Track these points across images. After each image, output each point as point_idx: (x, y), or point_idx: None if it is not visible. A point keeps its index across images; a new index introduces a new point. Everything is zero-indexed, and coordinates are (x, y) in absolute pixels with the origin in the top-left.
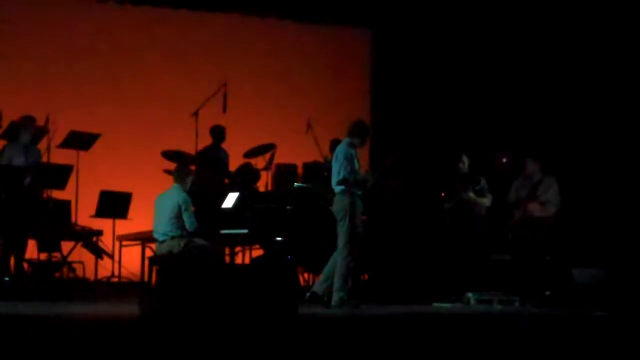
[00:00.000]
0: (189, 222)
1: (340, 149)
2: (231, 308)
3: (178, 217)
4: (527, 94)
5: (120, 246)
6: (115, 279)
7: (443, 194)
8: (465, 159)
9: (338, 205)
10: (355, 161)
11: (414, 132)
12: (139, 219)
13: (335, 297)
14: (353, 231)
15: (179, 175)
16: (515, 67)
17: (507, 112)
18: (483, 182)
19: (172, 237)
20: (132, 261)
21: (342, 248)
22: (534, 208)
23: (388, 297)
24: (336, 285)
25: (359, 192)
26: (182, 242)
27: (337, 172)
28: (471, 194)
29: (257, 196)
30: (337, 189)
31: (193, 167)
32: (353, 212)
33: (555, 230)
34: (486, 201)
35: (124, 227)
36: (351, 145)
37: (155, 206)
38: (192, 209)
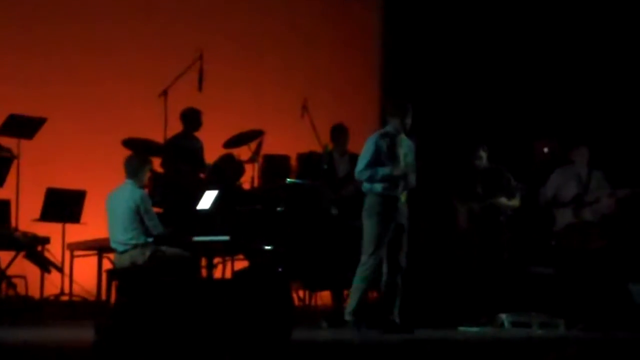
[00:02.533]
0: (152, 225)
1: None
2: (208, 333)
3: (138, 220)
4: (570, 71)
5: (72, 257)
6: (66, 297)
7: (455, 198)
8: (482, 153)
9: (364, 206)
10: (384, 152)
11: (432, 118)
12: (94, 223)
13: (345, 312)
14: (373, 237)
15: (130, 168)
16: (553, 39)
17: (546, 93)
18: (512, 179)
19: (135, 246)
20: (86, 275)
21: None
22: (609, 205)
23: (402, 319)
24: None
25: (392, 192)
26: (147, 252)
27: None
28: (503, 199)
29: (241, 195)
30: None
31: (161, 159)
32: (372, 215)
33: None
34: (516, 202)
35: (75, 233)
36: (383, 135)
37: (108, 208)
38: (157, 210)
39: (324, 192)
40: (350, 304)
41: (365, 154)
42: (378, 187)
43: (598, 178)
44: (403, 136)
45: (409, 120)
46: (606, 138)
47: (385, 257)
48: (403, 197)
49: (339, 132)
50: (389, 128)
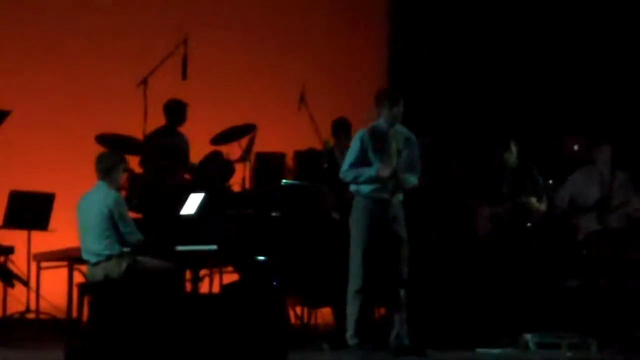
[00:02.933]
0: (127, 232)
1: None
2: (193, 356)
3: (112, 227)
4: (593, 62)
5: (38, 269)
6: (32, 315)
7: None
8: (513, 146)
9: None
10: (372, 150)
11: (445, 109)
12: (64, 230)
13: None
14: (360, 245)
15: (102, 167)
16: (583, 27)
17: (571, 85)
18: (540, 179)
19: (109, 257)
20: (54, 290)
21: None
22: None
23: (413, 340)
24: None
25: (382, 194)
26: (124, 264)
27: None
28: (532, 199)
29: (230, 198)
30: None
31: (139, 157)
32: (358, 220)
33: None
34: (544, 206)
35: (43, 242)
36: (371, 130)
37: (79, 214)
38: (135, 215)
39: (324, 194)
40: (349, 326)
41: (349, 152)
42: (365, 188)
43: (622, 179)
44: (398, 129)
45: (398, 109)
46: (632, 135)
47: (383, 270)
48: (398, 199)
49: (342, 127)
50: (379, 121)
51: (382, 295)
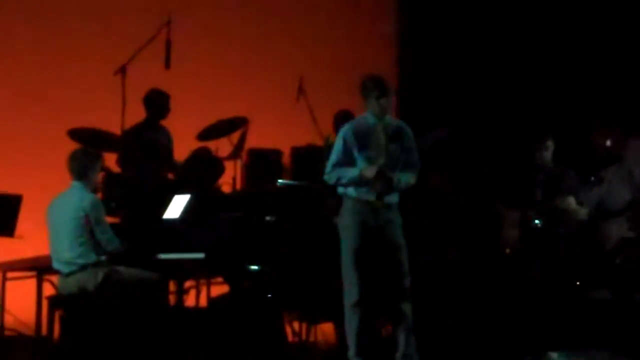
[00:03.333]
0: (104, 239)
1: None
2: None
3: (87, 233)
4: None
5: (4, 280)
6: None
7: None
8: (550, 144)
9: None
10: (356, 148)
11: (464, 102)
12: (32, 236)
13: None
14: (351, 252)
15: (76, 166)
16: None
17: (607, 71)
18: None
19: (84, 267)
20: (22, 304)
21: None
22: None
23: (424, 358)
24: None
25: (371, 197)
26: (100, 274)
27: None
28: (571, 201)
29: (219, 200)
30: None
31: (117, 155)
32: (347, 225)
33: None
34: (584, 212)
35: (8, 249)
36: (355, 126)
37: (49, 218)
38: (113, 219)
39: (325, 196)
40: (350, 344)
41: (333, 150)
42: (352, 191)
43: None
44: (387, 122)
45: (385, 100)
46: None
47: (381, 281)
48: (392, 201)
49: (345, 121)
50: (365, 115)
51: (384, 309)
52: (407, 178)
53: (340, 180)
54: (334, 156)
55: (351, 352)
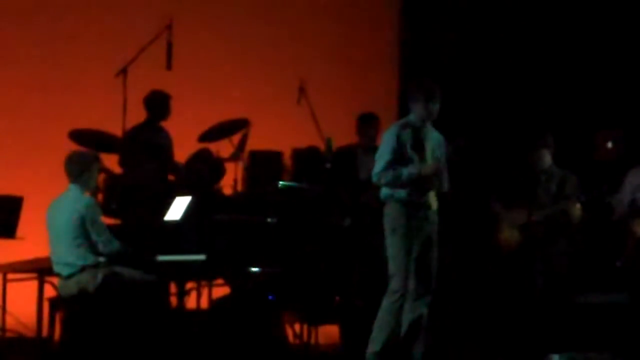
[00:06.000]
0: (101, 241)
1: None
2: None
3: (85, 235)
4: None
5: (5, 282)
6: None
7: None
8: (550, 139)
9: (384, 217)
10: (409, 148)
11: (466, 103)
12: (33, 238)
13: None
14: (401, 256)
15: (73, 168)
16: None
17: (608, 71)
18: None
19: (83, 268)
20: (23, 305)
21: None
22: None
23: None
24: (372, 336)
25: (422, 197)
26: (100, 275)
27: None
28: (578, 205)
29: (220, 202)
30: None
31: (118, 156)
32: (396, 227)
33: None
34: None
35: (10, 251)
36: (404, 126)
37: (48, 220)
38: (114, 221)
39: (326, 198)
40: (375, 343)
41: (384, 151)
42: (402, 192)
43: None
44: (429, 128)
45: (434, 106)
46: None
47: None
48: (434, 204)
49: (368, 123)
50: (411, 117)
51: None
52: (446, 183)
53: (397, 179)
54: (387, 156)
55: (370, 350)
